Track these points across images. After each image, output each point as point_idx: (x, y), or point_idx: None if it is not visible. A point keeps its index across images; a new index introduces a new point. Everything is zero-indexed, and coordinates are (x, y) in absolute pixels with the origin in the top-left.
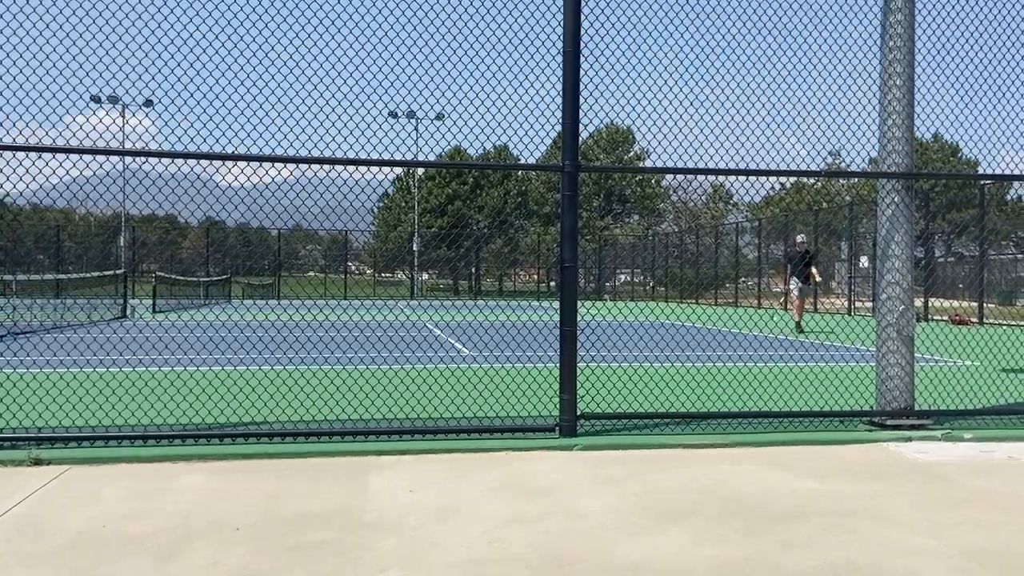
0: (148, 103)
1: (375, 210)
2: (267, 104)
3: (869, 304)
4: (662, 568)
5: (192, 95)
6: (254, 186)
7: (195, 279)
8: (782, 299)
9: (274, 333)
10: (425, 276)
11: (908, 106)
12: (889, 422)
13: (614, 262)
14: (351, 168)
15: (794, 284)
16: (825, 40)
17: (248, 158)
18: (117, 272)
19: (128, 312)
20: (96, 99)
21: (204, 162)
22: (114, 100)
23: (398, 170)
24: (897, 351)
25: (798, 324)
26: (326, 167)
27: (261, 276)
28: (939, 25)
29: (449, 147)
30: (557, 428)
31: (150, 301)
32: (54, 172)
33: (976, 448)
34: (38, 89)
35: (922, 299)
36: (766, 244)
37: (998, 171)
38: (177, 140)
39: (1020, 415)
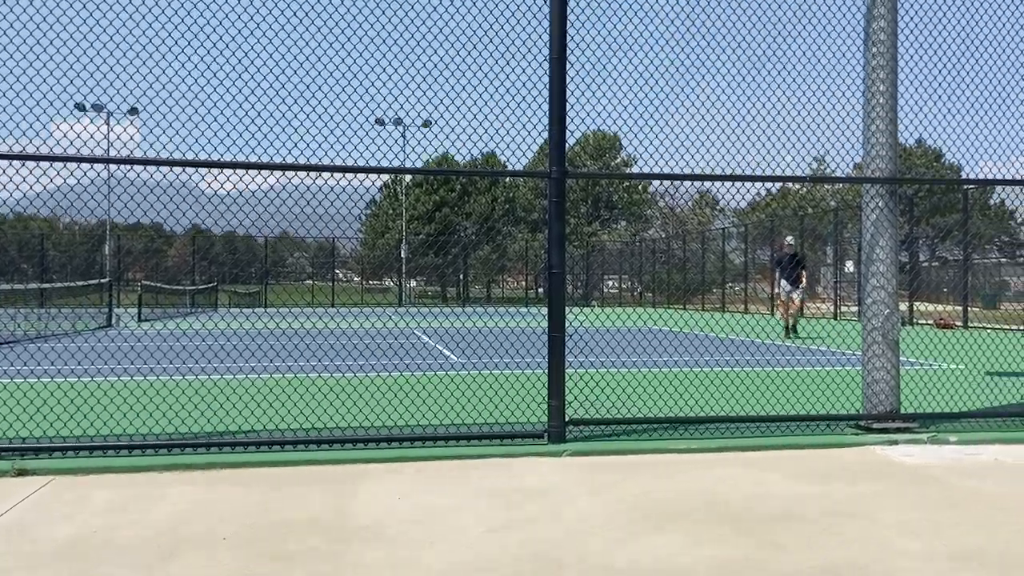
0: (133, 111)
1: (363, 217)
2: (253, 111)
3: (855, 308)
4: (653, 573)
5: (177, 102)
6: (240, 193)
7: (181, 288)
8: (776, 303)
9: (261, 341)
10: (413, 283)
11: (891, 112)
12: (875, 425)
13: (602, 268)
14: (338, 175)
15: (783, 287)
16: (809, 47)
17: (234, 165)
18: (102, 281)
19: (113, 321)
20: (81, 107)
21: (190, 169)
22: (99, 108)
23: (385, 177)
24: (882, 355)
25: (786, 327)
26: (313, 174)
27: (248, 284)
28: (922, 31)
29: (436, 154)
30: (546, 434)
31: (136, 310)
32: (38, 180)
33: (962, 451)
34: (22, 97)
35: (907, 303)
36: (752, 249)
37: (980, 176)
38: (162, 147)
39: (1005, 418)
